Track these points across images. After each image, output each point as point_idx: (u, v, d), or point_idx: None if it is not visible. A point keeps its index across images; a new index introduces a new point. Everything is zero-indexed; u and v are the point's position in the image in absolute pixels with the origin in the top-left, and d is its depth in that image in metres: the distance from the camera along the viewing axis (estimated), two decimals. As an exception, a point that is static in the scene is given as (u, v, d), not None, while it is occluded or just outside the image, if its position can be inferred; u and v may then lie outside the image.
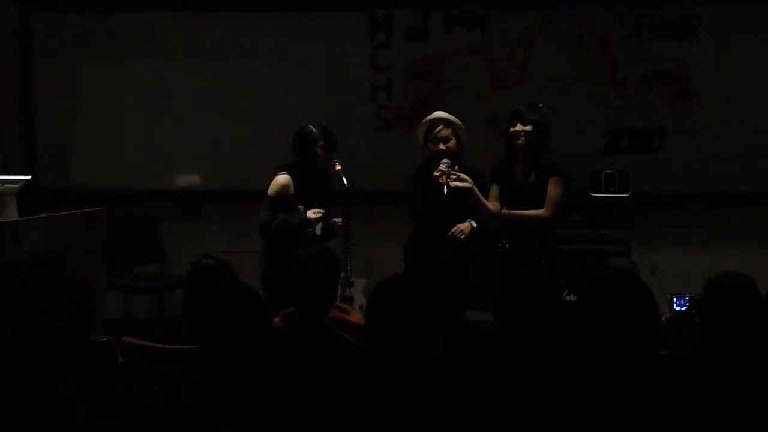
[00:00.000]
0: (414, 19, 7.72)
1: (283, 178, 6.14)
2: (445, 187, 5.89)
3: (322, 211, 6.07)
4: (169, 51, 7.85)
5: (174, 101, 7.87)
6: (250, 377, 3.40)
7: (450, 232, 6.04)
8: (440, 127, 6.09)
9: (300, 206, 6.09)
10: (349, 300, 6.42)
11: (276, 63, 7.77)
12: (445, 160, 5.98)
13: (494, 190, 6.18)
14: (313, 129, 6.12)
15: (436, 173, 5.94)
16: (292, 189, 6.12)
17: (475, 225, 6.10)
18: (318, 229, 6.11)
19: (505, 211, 6.14)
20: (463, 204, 6.00)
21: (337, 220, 6.11)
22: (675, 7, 7.56)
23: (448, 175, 5.93)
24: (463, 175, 5.97)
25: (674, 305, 5.64)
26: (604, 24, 7.62)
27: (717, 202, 7.61)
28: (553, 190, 6.11)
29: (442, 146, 6.06)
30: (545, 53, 7.67)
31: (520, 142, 6.07)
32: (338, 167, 6.05)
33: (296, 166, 6.15)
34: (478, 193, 6.04)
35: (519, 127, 6.06)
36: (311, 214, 6.03)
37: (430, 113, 6.32)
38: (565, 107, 7.21)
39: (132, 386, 3.72)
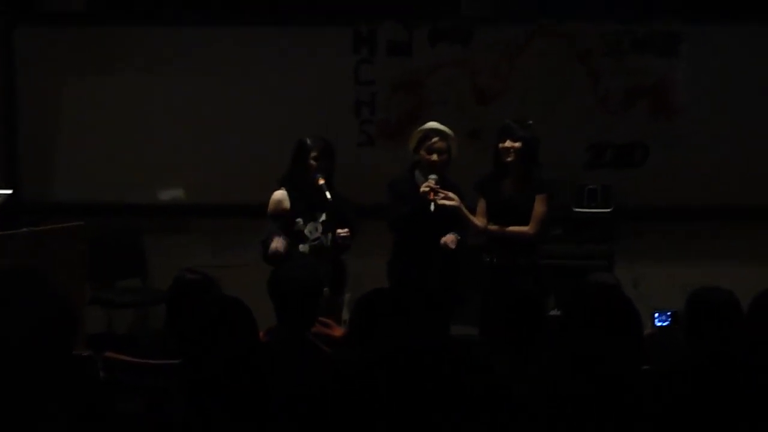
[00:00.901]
0: (397, 33, 7.74)
1: (278, 193, 6.09)
2: (432, 204, 5.89)
3: (281, 249, 5.89)
4: (152, 64, 7.85)
5: (157, 115, 7.86)
6: (233, 391, 3.39)
7: (441, 242, 6.02)
8: (436, 138, 6.09)
9: (298, 219, 6.04)
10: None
11: (260, 77, 7.77)
12: (433, 176, 5.98)
13: (481, 205, 6.17)
14: (308, 140, 6.08)
15: (424, 188, 5.93)
16: (287, 203, 6.07)
17: (459, 238, 6.10)
18: (327, 241, 6.06)
19: (491, 226, 6.14)
20: (446, 218, 5.99)
21: (341, 231, 6.03)
22: (657, 24, 7.60)
23: (436, 192, 5.92)
24: (450, 194, 5.97)
25: (656, 321, 5.65)
26: (587, 39, 7.65)
27: (699, 217, 7.64)
28: (539, 207, 6.11)
29: (436, 157, 6.06)
30: (528, 68, 7.70)
31: (509, 159, 6.06)
32: (321, 182, 6.00)
33: (293, 178, 6.12)
34: (465, 210, 6.04)
35: (509, 143, 6.05)
36: (274, 244, 5.91)
37: (414, 128, 6.32)
38: (547, 122, 7.22)
39: (114, 401, 3.71)
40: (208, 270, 4.82)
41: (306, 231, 6.05)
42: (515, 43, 7.69)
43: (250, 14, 7.81)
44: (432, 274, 6.02)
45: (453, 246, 6.05)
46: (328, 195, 5.95)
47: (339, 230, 6.02)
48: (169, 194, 8.01)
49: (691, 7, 7.57)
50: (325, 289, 5.63)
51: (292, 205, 6.05)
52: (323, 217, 6.05)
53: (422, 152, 6.09)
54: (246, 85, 7.78)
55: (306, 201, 6.05)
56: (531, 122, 6.20)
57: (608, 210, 7.49)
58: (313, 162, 6.00)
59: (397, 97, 7.76)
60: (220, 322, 3.87)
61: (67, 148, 7.97)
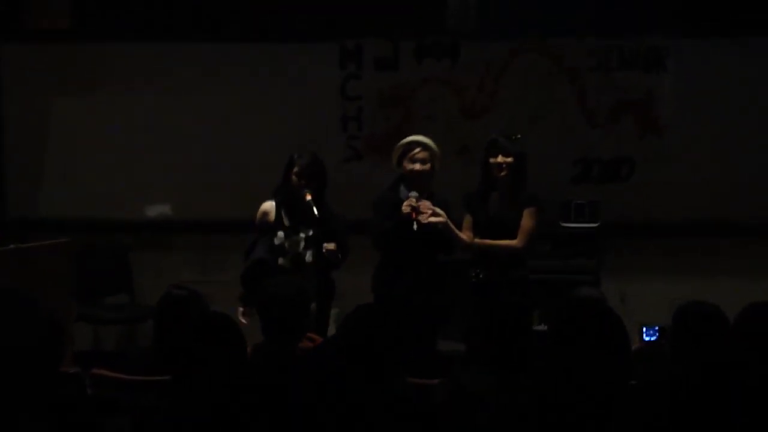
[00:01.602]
0: (384, 49, 7.76)
1: (266, 204, 6.12)
2: (415, 223, 5.88)
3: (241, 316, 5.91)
4: (139, 81, 7.85)
5: (144, 131, 7.86)
6: (221, 408, 3.39)
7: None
8: (418, 149, 6.09)
9: (279, 232, 6.04)
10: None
11: (247, 93, 7.78)
12: (414, 193, 5.96)
13: (467, 220, 6.17)
14: (295, 155, 6.09)
15: (405, 208, 5.92)
16: (271, 216, 6.09)
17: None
18: (309, 256, 6.05)
19: (478, 241, 6.13)
20: (430, 233, 5.98)
21: (328, 245, 6.02)
22: (643, 39, 7.63)
23: (418, 210, 5.91)
24: (437, 210, 5.96)
25: (644, 335, 5.67)
26: (573, 55, 7.68)
27: (685, 232, 7.66)
28: (527, 221, 6.10)
29: (418, 166, 6.05)
30: (515, 83, 7.73)
31: (502, 174, 6.06)
32: (309, 197, 6.00)
33: (282, 191, 6.14)
34: (452, 225, 6.04)
35: (501, 158, 6.04)
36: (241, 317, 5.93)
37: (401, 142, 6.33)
38: (534, 137, 7.23)
39: (102, 418, 3.70)
40: (195, 286, 4.80)
41: (286, 245, 6.05)
42: (501, 59, 7.71)
43: (236, 30, 7.82)
44: (418, 290, 6.01)
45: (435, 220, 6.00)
46: (315, 211, 5.95)
47: (326, 244, 6.02)
48: (156, 210, 8.00)
49: (677, 23, 7.61)
50: (312, 304, 5.64)
51: (277, 217, 6.07)
52: (309, 232, 6.05)
53: (405, 163, 6.09)
54: (233, 101, 7.79)
55: (291, 215, 6.06)
56: (519, 136, 6.20)
57: (595, 225, 7.51)
58: (295, 177, 6.01)
59: (385, 112, 7.78)
60: (208, 339, 3.87)
61: (54, 164, 7.96)
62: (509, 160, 6.04)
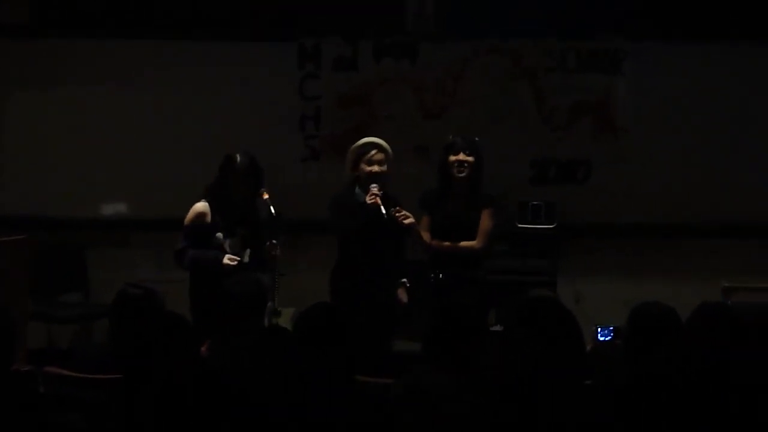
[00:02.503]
0: (343, 49, 7.75)
1: (200, 205, 6.01)
2: (382, 208, 5.89)
3: (238, 259, 5.90)
4: (95, 77, 7.80)
5: (100, 129, 7.80)
6: (174, 406, 3.37)
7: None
8: (374, 151, 6.08)
9: (218, 233, 5.97)
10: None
11: (205, 92, 7.75)
12: (374, 185, 5.97)
13: (425, 220, 6.18)
14: (235, 155, 6.03)
15: (369, 199, 5.92)
16: (208, 217, 5.99)
17: (408, 285, 6.15)
18: (246, 257, 6.01)
19: (436, 242, 6.14)
20: (394, 232, 6.00)
21: (274, 242, 5.99)
22: (600, 41, 7.67)
23: (383, 198, 5.93)
24: (407, 213, 5.98)
25: (599, 335, 5.70)
26: (531, 56, 7.71)
27: (641, 233, 7.71)
28: (486, 221, 6.13)
29: (377, 168, 6.04)
30: (474, 84, 7.74)
31: (462, 173, 6.07)
32: (266, 196, 5.97)
33: (218, 192, 6.06)
34: (418, 227, 6.06)
35: (462, 156, 6.06)
36: (227, 260, 5.88)
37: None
38: (493, 138, 7.24)
39: (54, 415, 3.67)
40: (151, 284, 4.78)
41: (226, 246, 5.98)
42: (460, 60, 7.73)
43: (194, 29, 7.78)
44: (375, 289, 6.02)
45: (405, 299, 6.11)
46: (272, 209, 5.94)
47: (271, 241, 5.99)
48: (112, 208, 7.95)
49: (635, 25, 7.65)
50: (269, 303, 5.63)
51: (213, 218, 6.00)
52: (243, 232, 6.01)
53: (362, 165, 6.07)
54: (190, 99, 7.76)
55: (227, 216, 6.00)
56: (477, 139, 6.22)
57: (552, 226, 7.54)
58: (238, 176, 5.96)
59: (344, 112, 7.77)
60: (161, 338, 3.86)
61: (10, 161, 7.89)
62: (471, 159, 6.07)
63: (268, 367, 4.34)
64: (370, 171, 6.03)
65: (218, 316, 4.76)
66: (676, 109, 7.67)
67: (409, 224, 5.98)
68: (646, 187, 7.66)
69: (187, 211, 6.06)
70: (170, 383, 3.52)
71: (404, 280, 6.15)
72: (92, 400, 3.91)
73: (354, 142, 6.24)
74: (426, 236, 6.14)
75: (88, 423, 3.65)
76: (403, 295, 6.12)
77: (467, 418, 3.23)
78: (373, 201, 5.91)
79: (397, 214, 5.93)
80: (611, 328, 5.67)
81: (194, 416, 3.36)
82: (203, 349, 4.52)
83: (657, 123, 7.68)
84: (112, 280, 5.83)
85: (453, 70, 7.75)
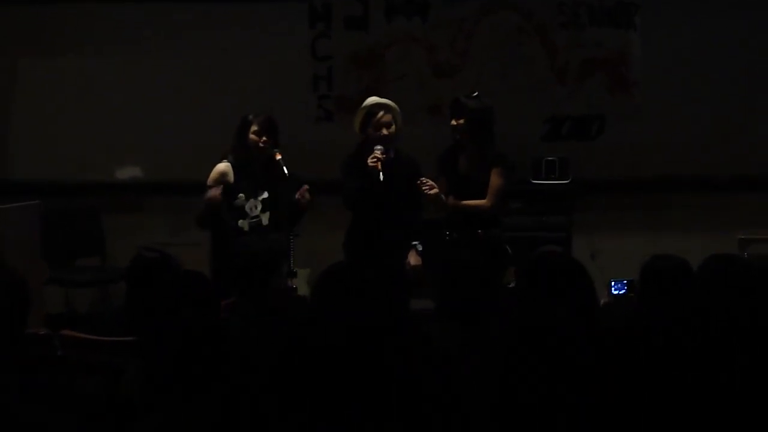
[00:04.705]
0: (354, 8, 7.72)
1: (222, 165, 6.02)
2: (381, 174, 5.87)
3: (219, 191, 5.89)
4: (108, 42, 7.81)
5: (114, 92, 7.82)
6: (191, 364, 3.39)
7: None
8: (381, 112, 6.04)
9: (240, 194, 5.99)
10: (293, 290, 6.41)
11: (217, 54, 7.75)
12: (379, 147, 5.95)
13: (442, 182, 6.12)
14: (249, 116, 6.02)
15: (371, 161, 5.90)
16: (231, 177, 6.01)
17: (420, 249, 6.10)
18: (265, 219, 6.00)
19: (450, 201, 6.12)
20: (400, 191, 5.98)
21: (306, 187, 5.96)
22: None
23: (384, 162, 5.90)
24: (431, 182, 5.92)
25: (612, 289, 5.70)
26: (544, 12, 7.67)
27: (656, 187, 7.70)
28: (495, 180, 6.08)
29: (385, 131, 6.01)
30: (486, 41, 7.72)
31: (458, 136, 6.06)
32: (279, 157, 5.96)
33: (236, 153, 6.06)
34: (443, 197, 6.00)
35: (454, 122, 6.04)
36: (213, 192, 5.87)
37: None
38: (505, 95, 7.25)
39: (72, 377, 3.70)
40: (167, 247, 4.80)
41: (246, 207, 5.98)
42: (472, 17, 7.69)
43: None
44: (389, 249, 6.01)
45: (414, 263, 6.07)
46: (285, 170, 5.93)
47: (299, 192, 5.96)
48: (127, 172, 7.98)
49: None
50: (284, 264, 5.65)
51: (235, 179, 6.00)
52: (264, 194, 6.00)
53: (370, 129, 6.04)
54: (202, 62, 7.76)
55: (248, 177, 6.00)
56: (476, 93, 6.12)
57: (566, 182, 7.54)
58: (253, 137, 5.95)
59: (355, 72, 7.75)
60: (181, 297, 3.87)
61: (24, 127, 7.92)
62: (461, 122, 6.00)
63: (288, 326, 4.37)
64: (380, 135, 6.00)
65: (232, 275, 4.79)
66: (689, 63, 7.63)
67: (435, 195, 5.93)
68: (660, 141, 7.65)
69: (202, 174, 6.07)
70: (188, 344, 3.54)
71: (416, 242, 6.09)
72: (109, 363, 3.94)
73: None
74: (449, 200, 6.08)
75: (105, 386, 3.68)
76: (413, 258, 6.07)
77: (476, 372, 3.24)
78: (374, 164, 5.88)
79: (423, 187, 5.87)
80: (625, 281, 5.66)
81: (212, 377, 3.38)
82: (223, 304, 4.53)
83: (670, 77, 7.65)
84: (129, 244, 5.85)
85: (465, 27, 7.71)
